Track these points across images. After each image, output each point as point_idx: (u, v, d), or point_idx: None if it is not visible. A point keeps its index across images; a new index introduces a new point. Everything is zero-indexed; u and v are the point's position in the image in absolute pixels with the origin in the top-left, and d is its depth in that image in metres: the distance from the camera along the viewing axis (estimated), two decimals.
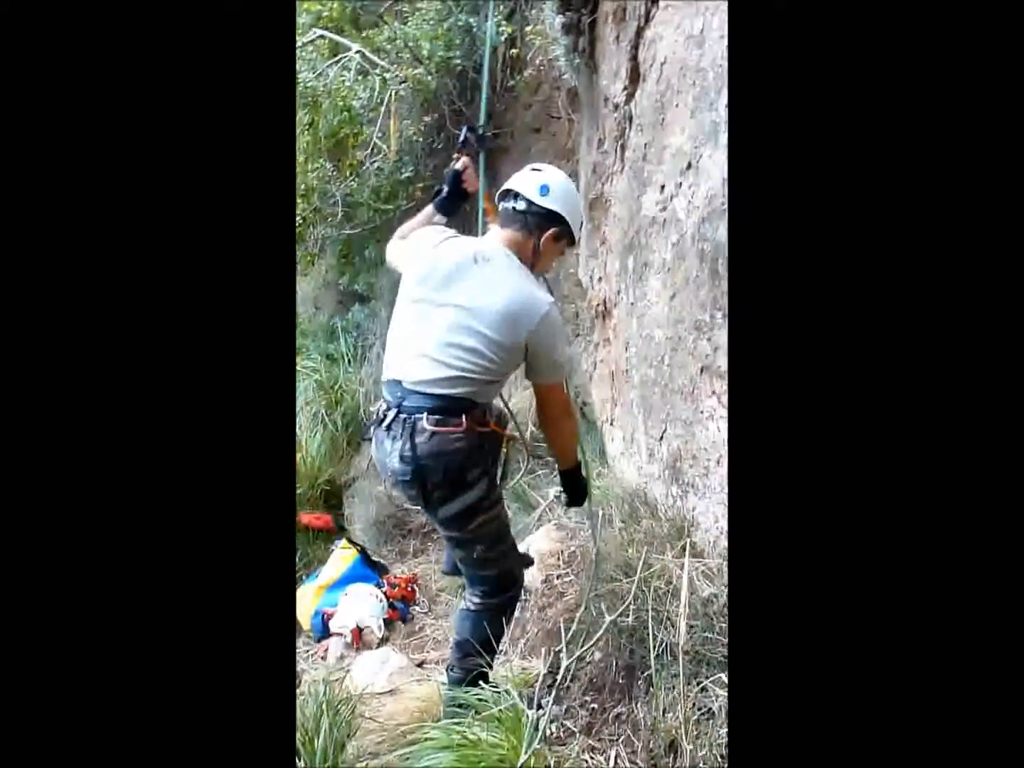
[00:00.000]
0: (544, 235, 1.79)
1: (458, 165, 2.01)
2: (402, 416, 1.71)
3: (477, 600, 1.89)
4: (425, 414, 1.68)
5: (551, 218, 1.79)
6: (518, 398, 2.86)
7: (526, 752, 1.43)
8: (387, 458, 1.75)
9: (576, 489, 2.04)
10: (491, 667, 1.90)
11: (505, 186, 1.83)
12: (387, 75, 4.03)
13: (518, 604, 2.04)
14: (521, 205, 1.78)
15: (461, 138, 2.05)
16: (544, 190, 1.77)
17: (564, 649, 1.75)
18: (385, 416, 1.75)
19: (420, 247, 1.86)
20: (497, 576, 1.86)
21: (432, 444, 1.68)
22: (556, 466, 2.08)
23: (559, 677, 1.74)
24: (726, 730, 1.39)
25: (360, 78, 4.18)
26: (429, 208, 2.01)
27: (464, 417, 1.68)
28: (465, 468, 1.71)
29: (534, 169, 1.85)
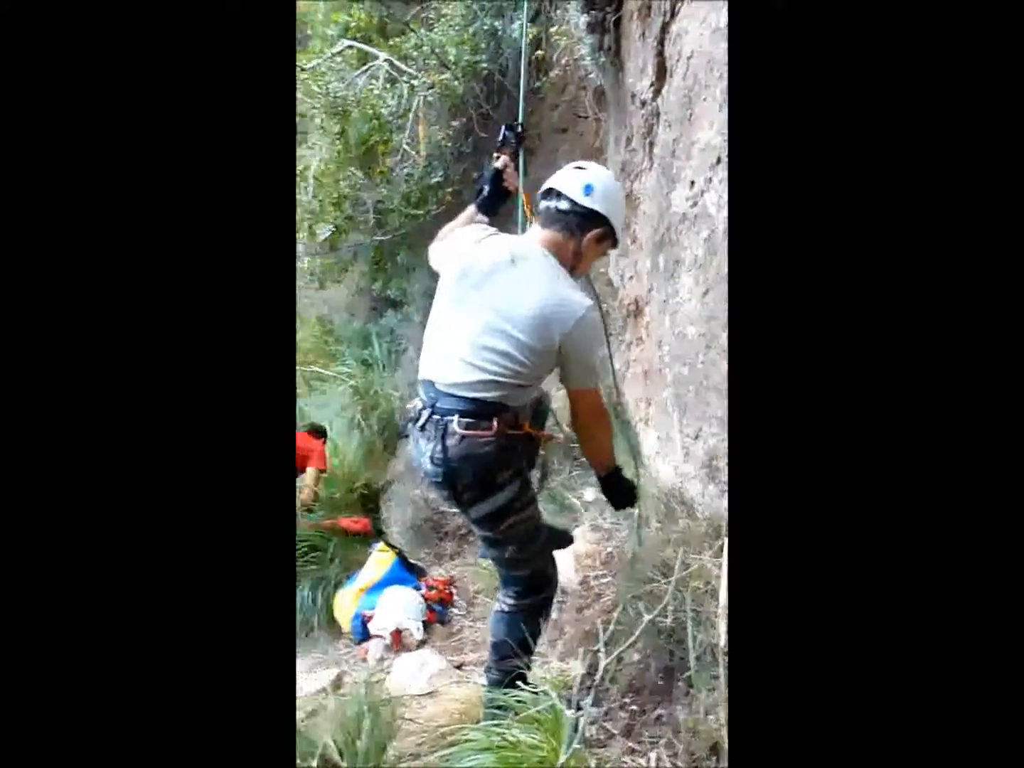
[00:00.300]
0: (587, 236, 1.74)
1: (498, 163, 1.97)
2: (435, 418, 1.71)
3: (510, 601, 1.89)
4: (456, 417, 1.67)
5: (594, 219, 1.73)
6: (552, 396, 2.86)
7: (566, 753, 1.42)
8: (421, 458, 1.76)
9: (617, 493, 1.98)
10: (529, 668, 1.89)
11: (547, 184, 1.78)
12: (415, 82, 4.08)
13: (553, 605, 2.03)
14: (564, 205, 1.73)
15: (500, 136, 2.03)
16: (588, 190, 1.71)
17: (603, 650, 1.73)
18: (420, 416, 1.75)
19: (460, 245, 1.84)
20: (529, 577, 1.85)
21: (462, 447, 1.68)
22: (594, 471, 2.03)
23: (598, 678, 1.73)
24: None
25: (388, 86, 4.24)
26: (471, 208, 1.99)
27: (495, 421, 1.67)
28: (495, 471, 1.70)
29: (578, 167, 1.79)
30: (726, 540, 1.84)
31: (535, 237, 1.78)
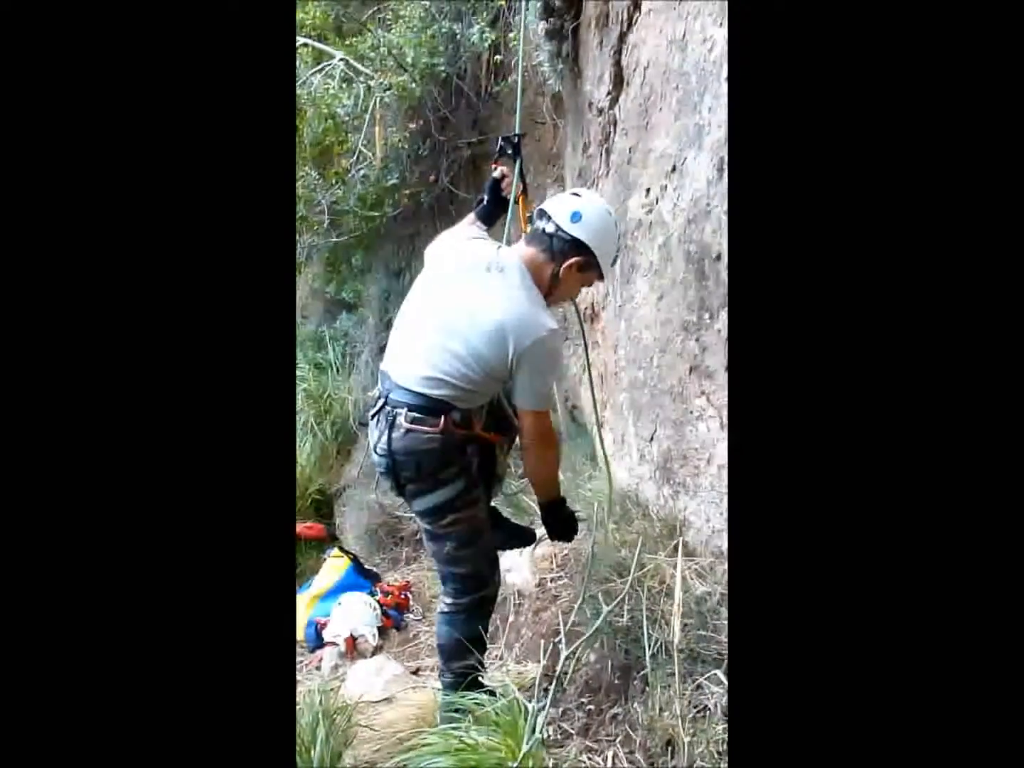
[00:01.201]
0: (566, 263, 1.73)
1: (496, 174, 2.03)
2: (386, 408, 1.74)
3: (449, 600, 1.89)
4: (404, 410, 1.70)
5: (577, 247, 1.72)
6: None
7: (527, 744, 1.42)
8: (372, 448, 1.79)
9: (556, 523, 1.97)
10: (483, 669, 1.89)
11: (540, 206, 1.81)
12: (371, 82, 4.04)
13: (495, 605, 2.00)
14: (550, 228, 1.73)
15: (497, 147, 2.10)
16: (576, 217, 1.71)
17: (563, 644, 1.74)
18: (376, 405, 1.79)
19: (448, 243, 1.88)
20: (466, 576, 1.86)
21: (405, 441, 1.70)
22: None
23: (555, 679, 1.74)
24: (723, 727, 1.40)
25: (344, 86, 4.18)
26: (470, 216, 2.03)
27: (441, 418, 1.69)
28: (438, 467, 1.72)
29: (574, 194, 1.82)
30: (680, 540, 1.88)
31: (517, 251, 1.80)
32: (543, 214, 1.78)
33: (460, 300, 1.72)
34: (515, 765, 1.42)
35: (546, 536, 2.05)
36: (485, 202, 2.01)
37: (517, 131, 2.20)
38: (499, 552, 1.98)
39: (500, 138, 2.11)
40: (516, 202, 2.06)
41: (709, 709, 1.48)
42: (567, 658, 1.69)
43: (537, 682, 1.76)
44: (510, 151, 2.07)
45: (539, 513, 2.00)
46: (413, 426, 1.69)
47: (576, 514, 2.01)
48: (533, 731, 1.48)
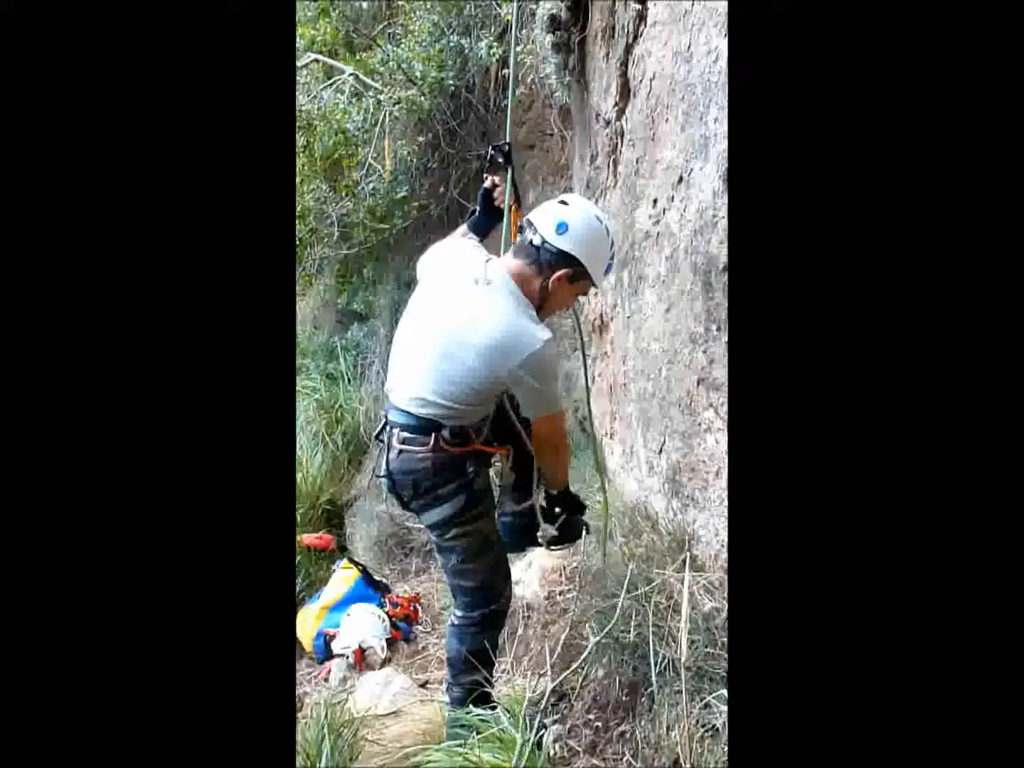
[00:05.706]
0: (554, 275, 1.68)
1: (487, 184, 2.01)
2: (387, 428, 1.78)
3: (459, 613, 1.89)
4: (397, 430, 1.74)
5: (565, 258, 1.66)
6: None
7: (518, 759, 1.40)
8: (375, 468, 1.85)
9: (568, 506, 1.95)
10: (491, 684, 1.87)
11: (527, 216, 1.76)
12: (381, 97, 4.08)
13: (506, 619, 1.98)
14: (536, 240, 1.68)
15: (488, 158, 2.07)
16: (562, 228, 1.65)
17: (569, 667, 1.72)
18: (381, 425, 1.83)
19: (438, 257, 1.87)
20: (474, 589, 1.85)
21: (399, 461, 1.74)
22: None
23: (562, 696, 1.72)
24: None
25: (354, 100, 4.24)
26: (463, 227, 2.01)
27: (432, 437, 1.69)
28: (435, 485, 1.73)
29: (561, 202, 1.76)
30: (689, 554, 1.86)
31: (505, 264, 1.76)
32: (529, 225, 1.73)
33: (448, 317, 1.69)
34: None
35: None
36: (477, 212, 2.00)
37: (507, 140, 2.17)
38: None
39: (490, 147, 2.08)
40: (509, 211, 2.03)
41: (716, 728, 1.45)
42: (575, 681, 1.67)
43: (545, 698, 1.74)
44: (501, 160, 2.03)
45: (545, 508, 1.95)
46: (404, 447, 1.72)
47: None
48: (539, 749, 1.47)
